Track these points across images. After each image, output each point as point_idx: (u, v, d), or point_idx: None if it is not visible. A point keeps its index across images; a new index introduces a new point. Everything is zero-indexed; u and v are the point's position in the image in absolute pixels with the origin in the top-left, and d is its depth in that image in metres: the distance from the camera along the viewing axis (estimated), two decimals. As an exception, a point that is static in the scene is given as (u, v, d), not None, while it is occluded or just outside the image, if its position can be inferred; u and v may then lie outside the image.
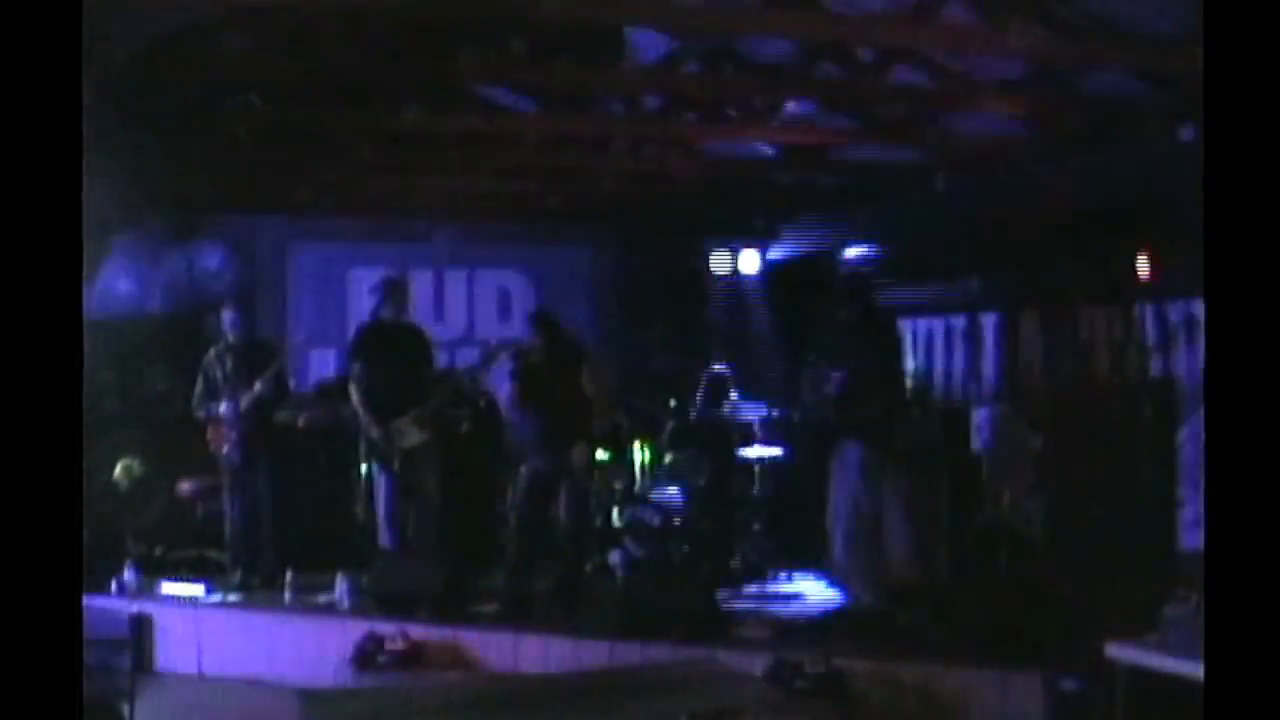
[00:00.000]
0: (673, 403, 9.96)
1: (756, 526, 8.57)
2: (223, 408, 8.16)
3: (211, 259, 9.79)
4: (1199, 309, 6.55)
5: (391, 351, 8.03)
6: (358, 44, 6.55)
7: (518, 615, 7.45)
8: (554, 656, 6.96)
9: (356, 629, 7.13)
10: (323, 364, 10.17)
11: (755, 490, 8.66)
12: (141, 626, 7.51)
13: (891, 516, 7.47)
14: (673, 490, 8.81)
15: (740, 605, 7.67)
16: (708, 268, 10.42)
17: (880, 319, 7.84)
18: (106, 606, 7.52)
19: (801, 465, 8.44)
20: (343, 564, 7.90)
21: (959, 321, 8.67)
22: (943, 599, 7.10)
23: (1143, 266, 6.65)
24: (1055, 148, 7.07)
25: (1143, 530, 5.90)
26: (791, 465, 8.77)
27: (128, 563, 8.06)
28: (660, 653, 6.58)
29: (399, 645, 6.92)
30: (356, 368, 8.09)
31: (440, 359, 8.82)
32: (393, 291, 8.17)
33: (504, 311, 10.64)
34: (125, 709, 5.67)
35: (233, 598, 7.94)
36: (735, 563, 8.36)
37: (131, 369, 9.46)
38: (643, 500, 8.56)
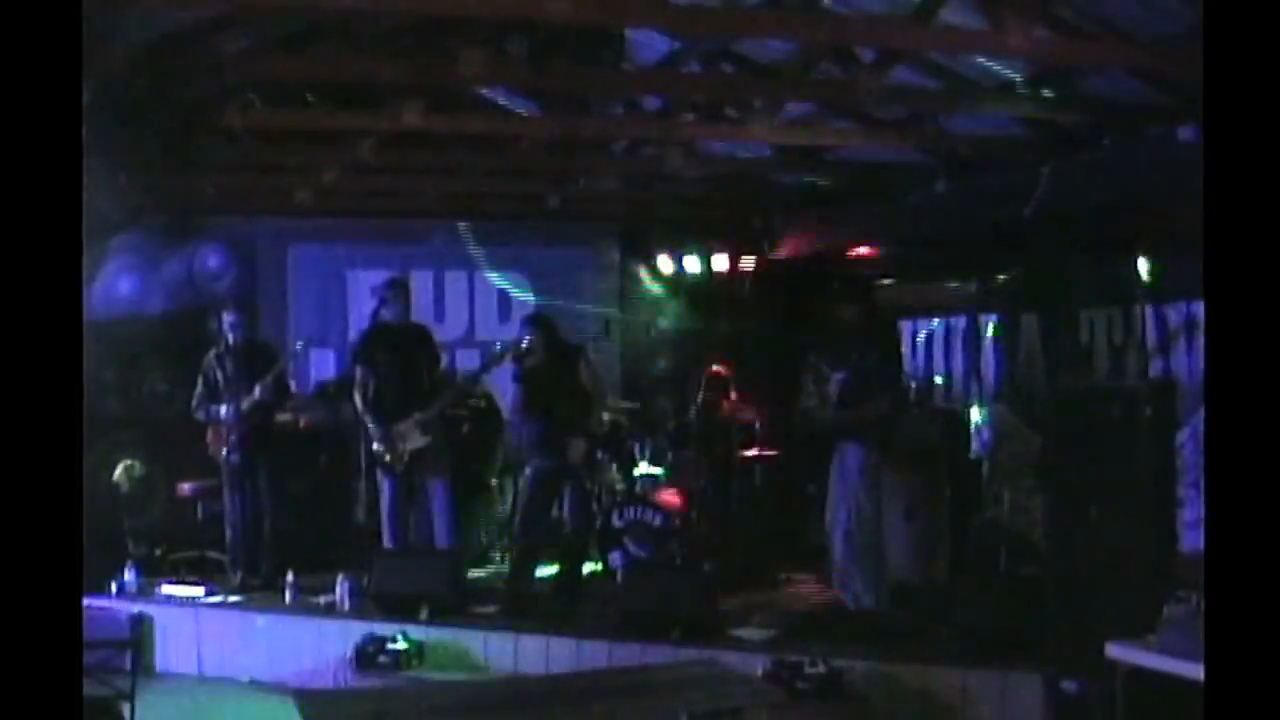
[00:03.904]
0: (673, 402, 9.99)
1: (756, 526, 8.57)
2: (222, 410, 8.16)
3: (211, 260, 9.78)
4: (1199, 309, 6.55)
5: (395, 354, 8.01)
6: (358, 44, 6.55)
7: (518, 615, 7.46)
8: (554, 656, 6.96)
9: (356, 629, 7.14)
10: (323, 365, 10.16)
11: (755, 490, 8.66)
12: (142, 627, 7.52)
13: (891, 517, 7.48)
14: (673, 490, 8.82)
15: (740, 605, 7.67)
16: (707, 268, 10.42)
17: (880, 319, 7.84)
18: (107, 607, 7.55)
19: (802, 466, 8.44)
20: (343, 565, 7.90)
21: (959, 321, 8.67)
22: (943, 599, 7.10)
23: (1143, 267, 6.65)
24: (1055, 148, 7.06)
25: (1143, 530, 5.89)
26: (792, 466, 8.77)
27: (128, 563, 8.07)
28: (660, 653, 6.59)
29: (399, 645, 6.93)
30: (359, 372, 8.08)
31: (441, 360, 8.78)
32: (395, 292, 8.16)
33: (504, 311, 10.63)
34: (125, 709, 5.67)
35: (233, 598, 7.95)
36: (735, 563, 8.36)
37: (131, 370, 9.45)
38: (643, 500, 8.56)
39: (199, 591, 7.95)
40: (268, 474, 8.29)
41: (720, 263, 10.34)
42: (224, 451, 8.17)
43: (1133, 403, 5.84)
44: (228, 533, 8.27)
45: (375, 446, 7.94)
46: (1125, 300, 7.12)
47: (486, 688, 6.43)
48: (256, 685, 7.28)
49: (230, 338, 8.31)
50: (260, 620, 7.63)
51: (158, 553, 8.58)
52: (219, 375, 8.25)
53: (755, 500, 8.92)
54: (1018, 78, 6.47)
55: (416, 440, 7.88)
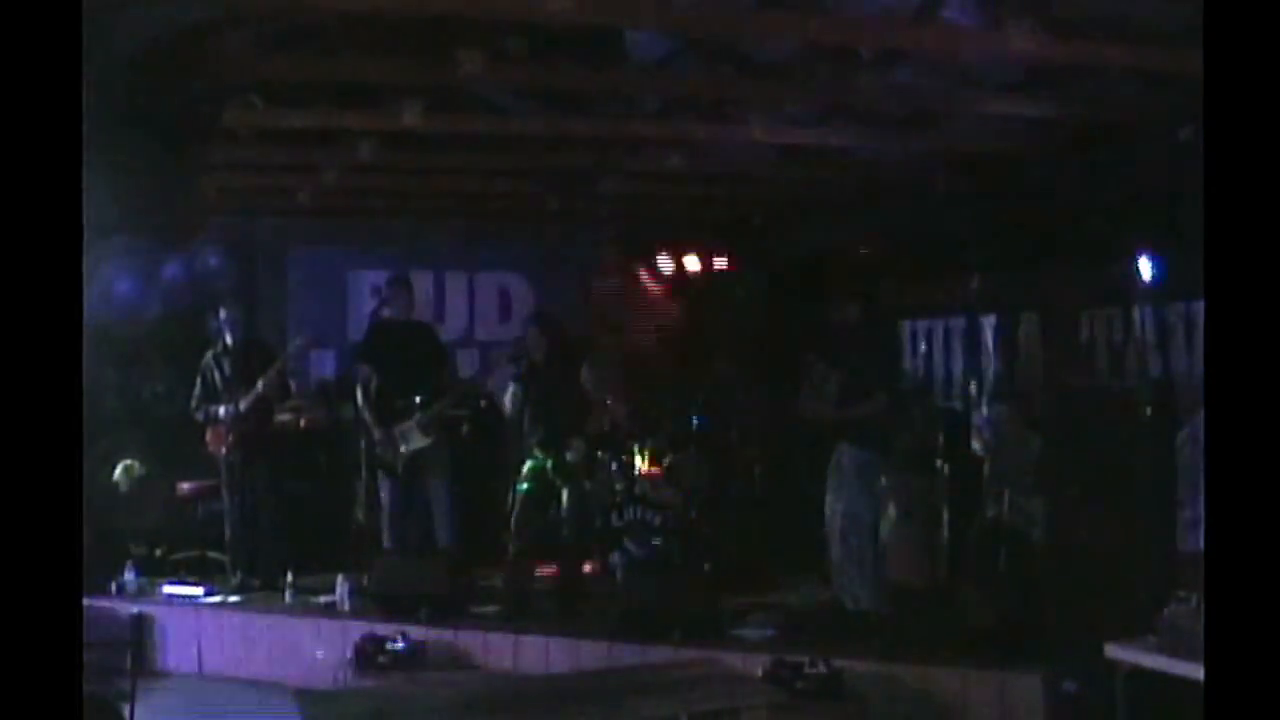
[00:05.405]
0: (673, 403, 9.97)
1: (756, 527, 8.57)
2: (222, 409, 8.16)
3: (211, 260, 9.76)
4: (1199, 309, 6.55)
5: (397, 353, 8.00)
6: (358, 44, 6.54)
7: (518, 615, 7.46)
8: (554, 656, 6.97)
9: (356, 629, 7.14)
10: (323, 364, 10.16)
11: (755, 491, 8.65)
12: (142, 627, 7.53)
13: (891, 517, 7.47)
14: (672, 490, 8.81)
15: (740, 605, 7.67)
16: (708, 268, 10.43)
17: (880, 319, 7.84)
18: (107, 607, 7.55)
19: (801, 466, 8.43)
20: (343, 565, 7.90)
21: (959, 321, 8.66)
22: (943, 599, 7.10)
23: (1143, 267, 6.65)
24: (1055, 148, 7.06)
25: (1143, 530, 5.90)
26: (792, 466, 8.76)
27: (128, 563, 8.07)
28: (660, 653, 6.59)
29: (399, 645, 6.93)
30: (360, 370, 8.06)
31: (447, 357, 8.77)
32: (397, 290, 8.16)
33: (504, 312, 10.63)
34: (125, 709, 5.67)
35: (233, 598, 7.95)
36: (735, 563, 8.36)
37: (131, 370, 9.45)
38: (643, 500, 8.55)
39: (199, 591, 7.95)
40: (268, 474, 8.29)
41: (720, 263, 10.35)
42: (224, 451, 8.17)
43: (1133, 403, 5.84)
44: (228, 533, 8.27)
45: (376, 445, 7.94)
46: (1125, 300, 7.11)
47: (486, 688, 6.43)
48: (256, 685, 7.28)
49: (228, 336, 8.30)
50: (260, 620, 7.64)
51: (158, 553, 8.58)
52: (218, 375, 8.25)
53: (755, 500, 8.92)
54: (1017, 78, 6.47)
55: (418, 440, 7.87)
